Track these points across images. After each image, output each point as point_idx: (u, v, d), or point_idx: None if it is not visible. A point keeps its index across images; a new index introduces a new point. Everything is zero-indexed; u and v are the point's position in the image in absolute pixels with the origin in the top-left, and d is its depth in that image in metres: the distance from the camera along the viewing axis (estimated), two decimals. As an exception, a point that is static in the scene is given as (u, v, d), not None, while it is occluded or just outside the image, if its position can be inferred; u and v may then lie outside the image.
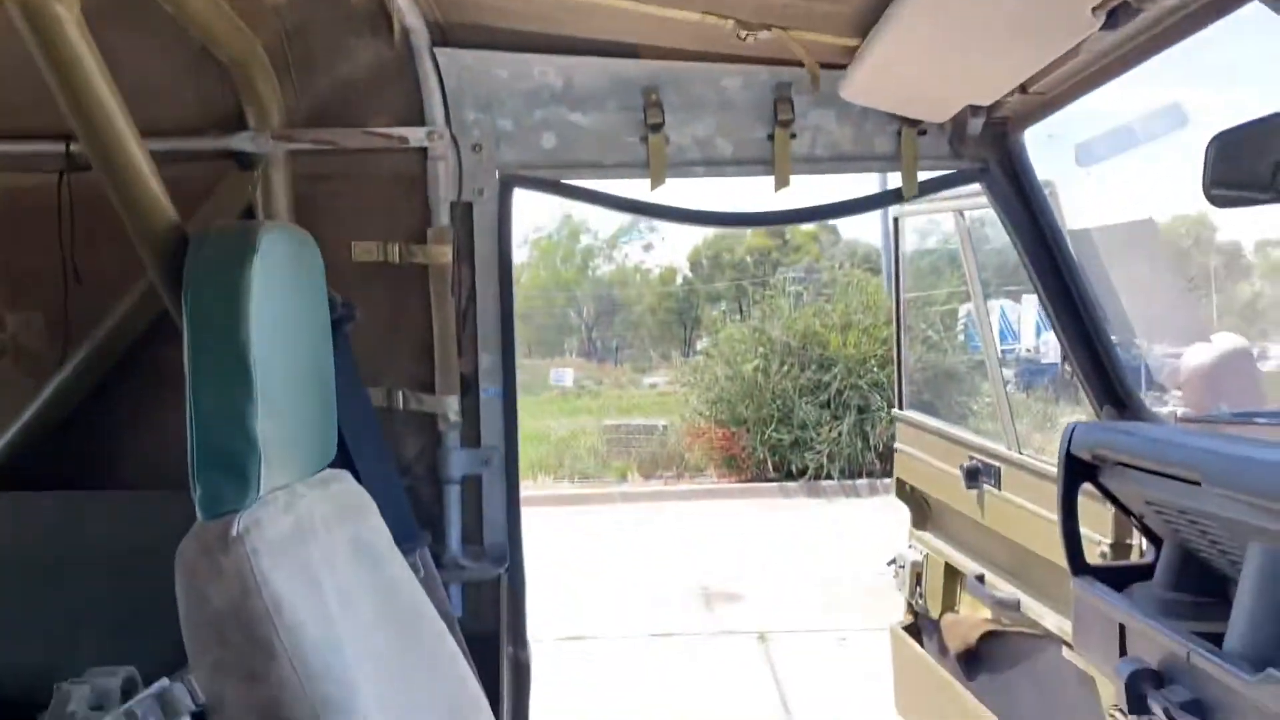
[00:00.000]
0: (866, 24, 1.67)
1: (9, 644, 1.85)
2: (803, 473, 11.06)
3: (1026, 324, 10.69)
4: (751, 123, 2.06)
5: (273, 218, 1.97)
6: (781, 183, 2.05)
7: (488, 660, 1.98)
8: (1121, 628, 1.66)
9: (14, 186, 2.01)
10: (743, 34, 1.71)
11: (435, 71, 1.99)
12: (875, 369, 11.06)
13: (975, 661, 2.90)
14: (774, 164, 2.05)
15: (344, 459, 1.72)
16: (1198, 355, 2.10)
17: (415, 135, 2.00)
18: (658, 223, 27.46)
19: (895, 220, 3.74)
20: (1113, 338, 2.02)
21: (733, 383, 11.80)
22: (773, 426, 11.20)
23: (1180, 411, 1.94)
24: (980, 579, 2.79)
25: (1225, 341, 2.08)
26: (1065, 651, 2.35)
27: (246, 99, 1.94)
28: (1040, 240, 2.03)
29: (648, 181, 2.09)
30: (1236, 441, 1.58)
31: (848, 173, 2.12)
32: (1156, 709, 1.47)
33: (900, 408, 3.62)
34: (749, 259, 26.19)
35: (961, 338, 8.67)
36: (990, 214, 2.16)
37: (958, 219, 2.92)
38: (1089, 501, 1.94)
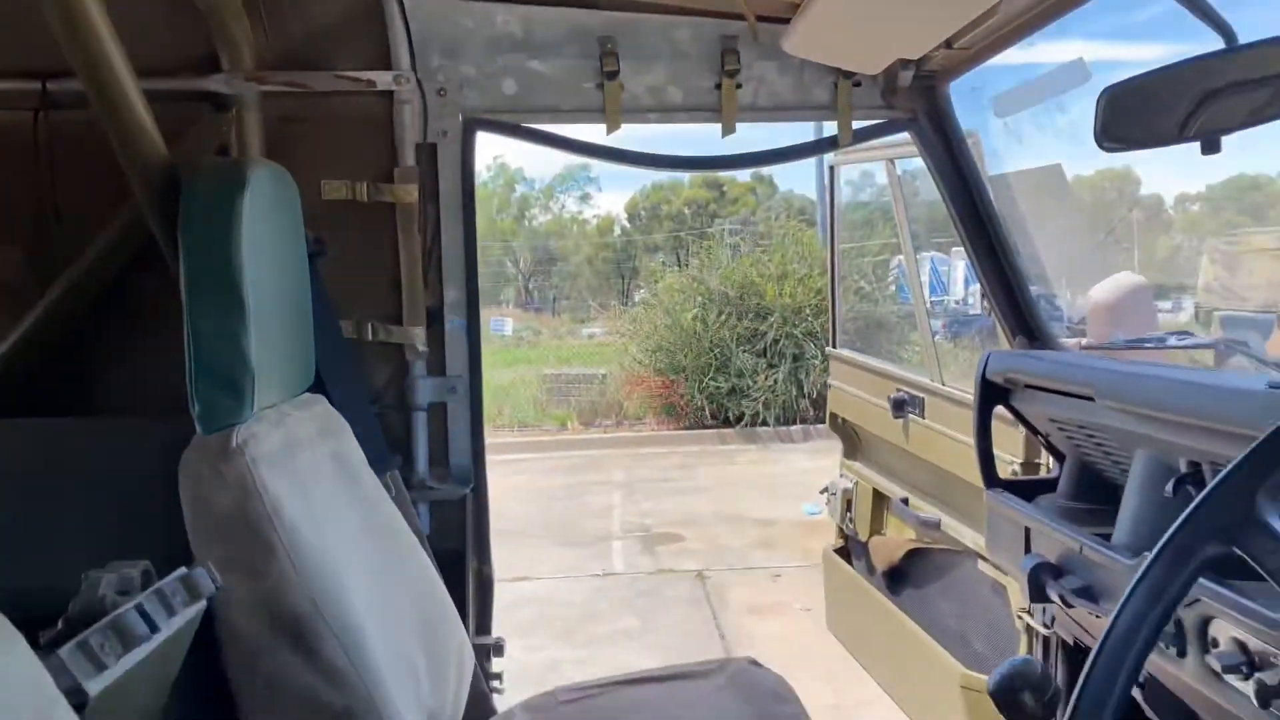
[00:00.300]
0: None
1: None
2: (740, 419, 11.15)
3: (956, 278, 11.06)
4: (701, 72, 2.14)
5: (246, 156, 2.02)
6: (728, 129, 2.15)
7: (453, 574, 2.08)
8: (1027, 531, 1.82)
9: None
10: None
11: (402, 18, 2.05)
12: (810, 318, 11.14)
13: (900, 578, 3.10)
14: (721, 111, 2.15)
15: (319, 385, 1.81)
16: (1101, 291, 2.29)
17: (383, 79, 2.06)
18: (595, 173, 27.26)
19: (831, 169, 3.88)
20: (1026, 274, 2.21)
21: (672, 332, 11.84)
22: (711, 375, 11.28)
23: (1084, 341, 2.14)
24: (905, 502, 2.98)
25: (1125, 280, 2.28)
26: (980, 564, 2.55)
27: (220, 42, 1.98)
28: (963, 185, 2.17)
29: (603, 126, 2.16)
30: (1127, 363, 1.77)
31: (788, 120, 2.22)
32: (1054, 595, 1.61)
33: (834, 346, 3.80)
34: (686, 210, 26.09)
35: (893, 288, 8.90)
36: (920, 167, 2.30)
37: (889, 168, 3.07)
38: (1002, 426, 2.07)
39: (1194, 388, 1.40)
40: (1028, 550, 1.81)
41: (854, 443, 3.49)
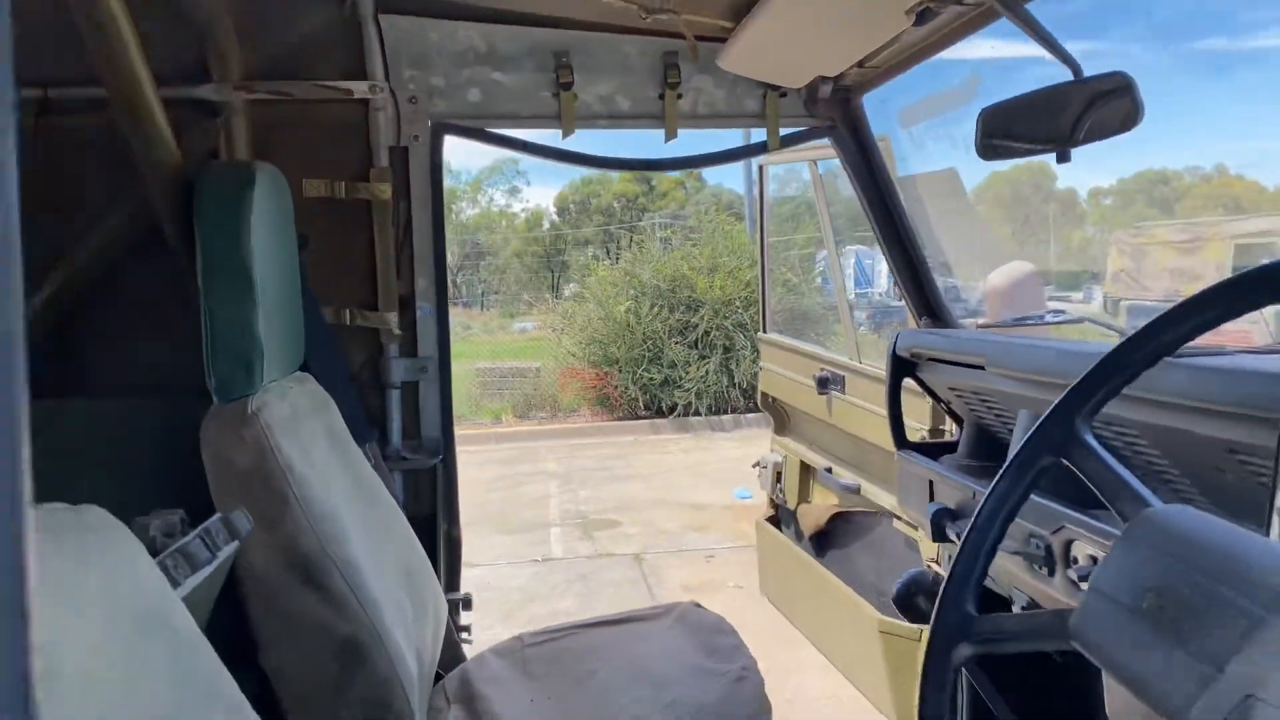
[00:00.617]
0: (740, 11, 1.96)
1: None
2: (672, 410, 11.24)
3: (881, 271, 11.40)
4: (646, 84, 2.31)
5: (237, 158, 2.15)
6: (671, 135, 2.33)
7: (425, 536, 2.23)
8: (930, 484, 2.02)
9: None
10: (644, 15, 2.01)
11: (378, 34, 2.18)
12: (740, 310, 11.26)
13: (825, 540, 3.31)
14: (664, 119, 2.31)
15: (305, 366, 1.98)
16: (996, 277, 2.59)
17: (359, 88, 2.19)
18: (523, 167, 27.10)
19: (760, 168, 4.07)
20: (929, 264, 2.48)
21: (605, 324, 11.85)
22: (644, 366, 11.36)
23: (979, 320, 2.42)
24: (829, 471, 3.19)
25: (1017, 267, 2.58)
26: (895, 523, 2.77)
27: (211, 54, 2.09)
28: (875, 185, 2.37)
29: (559, 131, 2.31)
30: (1013, 337, 2.04)
31: (723, 128, 2.39)
32: (951, 535, 1.84)
33: (764, 331, 4.03)
34: (616, 204, 26.02)
35: (820, 280, 9.18)
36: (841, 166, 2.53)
37: (812, 168, 3.33)
38: (914, 399, 2.29)
39: (1063, 354, 1.61)
40: (931, 499, 2.01)
41: (783, 420, 3.69)
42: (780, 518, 3.70)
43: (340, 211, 2.26)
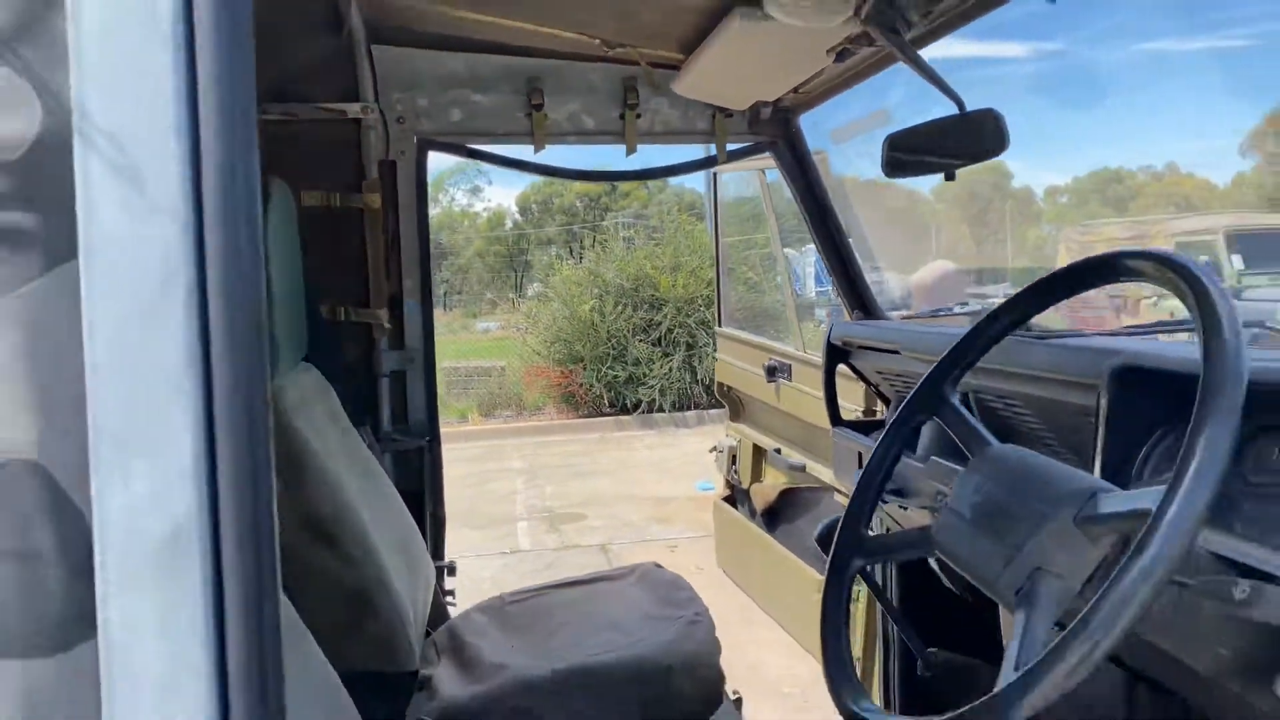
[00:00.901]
0: (690, 46, 2.21)
1: None
2: (636, 406, 11.35)
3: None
4: (608, 105, 2.53)
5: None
6: (631, 150, 2.59)
7: (413, 511, 2.43)
8: (859, 455, 2.22)
9: None
10: (607, 49, 2.29)
11: (370, 62, 2.40)
12: (702, 308, 11.35)
13: (775, 515, 3.57)
14: (625, 136, 2.55)
15: (306, 357, 2.18)
16: (921, 273, 2.89)
17: (353, 109, 2.40)
18: (485, 167, 27.00)
19: (714, 175, 4.39)
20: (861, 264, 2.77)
21: (569, 323, 11.94)
22: (608, 364, 11.45)
23: (903, 312, 2.70)
24: (778, 451, 3.45)
25: (939, 265, 2.88)
26: (836, 496, 3.02)
27: None
28: (813, 195, 2.62)
29: (531, 146, 2.54)
30: (927, 326, 2.33)
31: (677, 144, 2.65)
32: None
33: (720, 325, 4.31)
34: (579, 204, 25.88)
35: (779, 279, 9.42)
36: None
37: (760, 177, 3.61)
38: (850, 384, 2.54)
39: (953, 338, 1.85)
40: (860, 467, 2.30)
41: (738, 407, 3.94)
42: (735, 497, 3.95)
43: (335, 219, 2.47)
